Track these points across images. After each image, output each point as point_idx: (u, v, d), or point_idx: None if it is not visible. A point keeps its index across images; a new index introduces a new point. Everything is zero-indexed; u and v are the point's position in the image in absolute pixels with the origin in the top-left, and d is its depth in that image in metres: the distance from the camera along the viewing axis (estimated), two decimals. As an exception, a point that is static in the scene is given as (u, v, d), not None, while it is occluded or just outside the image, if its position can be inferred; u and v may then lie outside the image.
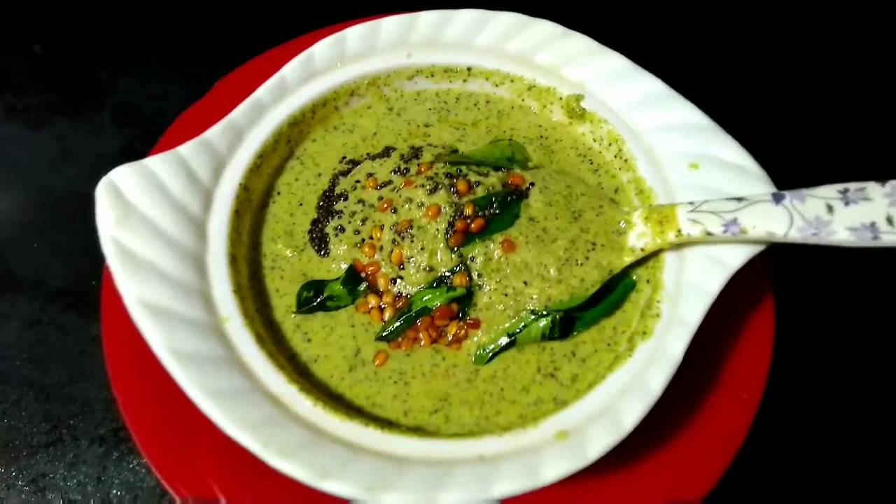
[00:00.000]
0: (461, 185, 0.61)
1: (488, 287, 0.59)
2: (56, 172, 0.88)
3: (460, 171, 0.62)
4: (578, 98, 0.68)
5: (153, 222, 0.56)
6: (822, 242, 0.52)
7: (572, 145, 0.70)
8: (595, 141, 0.69)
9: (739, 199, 0.56)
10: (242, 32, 1.02)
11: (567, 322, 0.59)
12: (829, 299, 0.79)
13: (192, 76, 0.97)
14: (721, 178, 0.60)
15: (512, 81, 0.71)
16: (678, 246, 0.59)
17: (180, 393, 0.50)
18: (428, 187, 0.61)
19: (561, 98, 0.69)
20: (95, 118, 0.93)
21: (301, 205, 0.66)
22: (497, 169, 0.64)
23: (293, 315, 0.60)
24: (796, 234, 0.53)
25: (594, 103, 0.68)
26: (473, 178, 0.61)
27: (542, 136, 0.70)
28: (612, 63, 0.67)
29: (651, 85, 0.66)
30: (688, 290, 0.56)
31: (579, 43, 0.68)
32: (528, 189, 0.62)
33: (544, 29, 0.70)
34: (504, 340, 0.58)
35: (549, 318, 0.57)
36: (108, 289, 0.60)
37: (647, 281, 0.60)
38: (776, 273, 0.64)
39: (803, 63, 1.00)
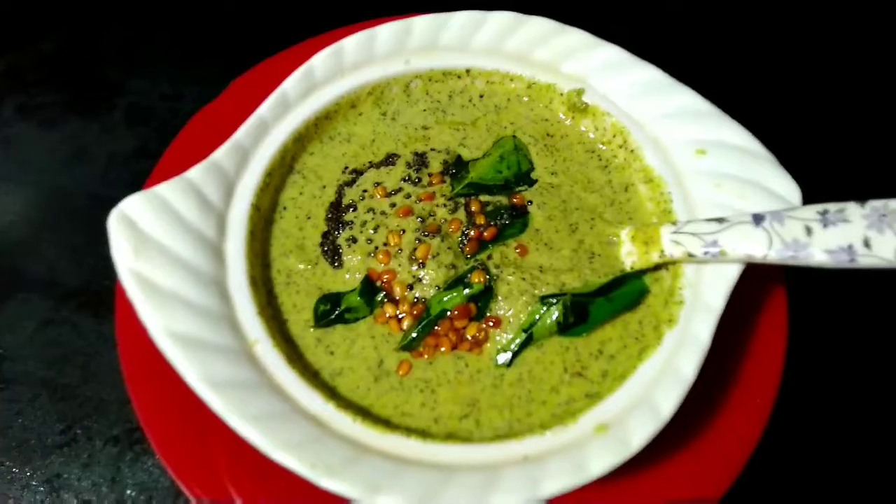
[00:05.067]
0: (474, 205, 0.64)
1: (506, 276, 0.60)
2: (69, 172, 0.87)
3: (472, 194, 0.65)
4: (580, 92, 0.68)
5: (171, 250, 0.55)
6: (800, 264, 0.53)
7: (578, 140, 0.70)
8: (600, 132, 0.69)
9: (721, 221, 0.56)
10: (256, 31, 1.01)
11: (579, 306, 0.59)
12: (842, 297, 0.78)
13: (204, 76, 0.96)
14: (729, 162, 0.61)
15: (511, 80, 0.71)
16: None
17: (194, 393, 0.49)
18: (449, 208, 0.64)
19: (562, 94, 0.70)
20: (108, 117, 0.92)
21: (309, 218, 0.65)
22: (503, 190, 0.66)
23: (312, 329, 0.59)
24: (775, 256, 0.53)
25: (595, 96, 0.68)
26: (484, 198, 0.65)
27: (548, 134, 0.70)
28: (610, 55, 0.68)
29: (650, 74, 0.66)
30: (708, 274, 0.57)
31: (576, 37, 0.69)
32: (527, 205, 0.65)
33: (540, 26, 0.70)
34: (521, 338, 0.58)
35: (560, 303, 0.58)
36: (122, 289, 0.58)
37: (667, 268, 0.61)
38: (790, 272, 0.63)
39: (797, 48, 1.01)
